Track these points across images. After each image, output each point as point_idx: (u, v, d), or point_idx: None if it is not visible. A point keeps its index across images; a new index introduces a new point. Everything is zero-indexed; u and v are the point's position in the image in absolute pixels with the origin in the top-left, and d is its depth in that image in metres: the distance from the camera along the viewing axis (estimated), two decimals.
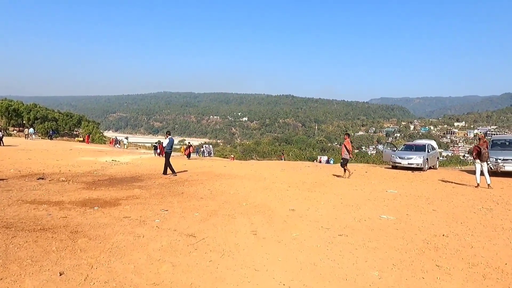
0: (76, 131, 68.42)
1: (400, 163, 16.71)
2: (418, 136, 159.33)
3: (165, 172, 12.25)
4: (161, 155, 28.48)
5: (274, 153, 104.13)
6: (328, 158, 46.72)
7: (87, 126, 66.06)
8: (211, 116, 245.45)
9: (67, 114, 69.19)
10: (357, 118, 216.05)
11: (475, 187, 9.84)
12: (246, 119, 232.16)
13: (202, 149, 52.97)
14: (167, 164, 12.34)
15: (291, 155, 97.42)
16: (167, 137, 12.99)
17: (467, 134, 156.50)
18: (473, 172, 17.17)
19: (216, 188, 9.23)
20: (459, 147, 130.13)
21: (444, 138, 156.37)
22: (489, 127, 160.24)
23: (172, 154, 31.48)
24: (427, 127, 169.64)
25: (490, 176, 15.08)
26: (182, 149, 31.10)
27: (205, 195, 8.02)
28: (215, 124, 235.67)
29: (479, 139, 10.44)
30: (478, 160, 9.90)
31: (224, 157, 55.35)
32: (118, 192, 8.16)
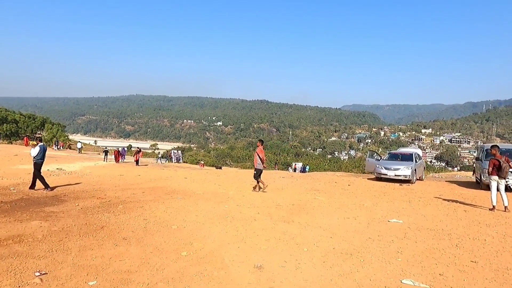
0: (39, 134, 63.53)
1: (386, 175, 14.80)
2: (388, 142, 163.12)
3: (32, 187, 9.72)
4: (117, 161, 25.33)
5: (248, 158, 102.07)
6: (304, 164, 44.95)
7: (51, 129, 61.39)
8: (185, 120, 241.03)
9: (30, 116, 63.90)
10: (330, 124, 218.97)
11: (491, 209, 7.87)
12: (221, 123, 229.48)
13: (170, 155, 49.81)
14: (37, 177, 9.75)
15: (266, 160, 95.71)
16: (37, 144, 10.14)
17: (433, 141, 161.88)
18: (464, 185, 15.76)
19: (157, 216, 6.64)
20: (426, 153, 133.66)
21: (413, 144, 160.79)
22: (454, 134, 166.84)
23: (125, 160, 27.84)
24: (396, 134, 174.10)
25: (485, 190, 13.55)
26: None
27: (133, 232, 5.43)
28: (189, 128, 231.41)
29: (491, 149, 8.50)
30: (495, 177, 7.94)
31: (196, 163, 52.20)
32: (2, 227, 5.43)
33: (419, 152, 17.35)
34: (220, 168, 42.01)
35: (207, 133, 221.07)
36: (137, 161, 23.83)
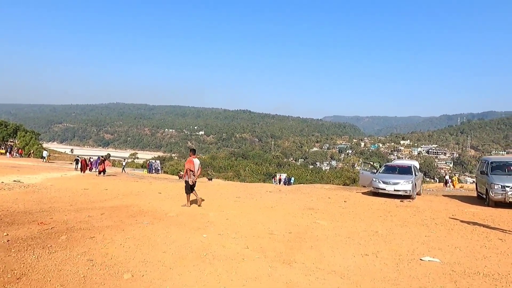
0: (11, 141, 59.75)
1: (385, 189, 13.39)
2: (368, 153, 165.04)
3: None
4: (83, 172, 22.93)
5: (230, 168, 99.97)
6: (288, 176, 43.47)
7: (23, 136, 57.86)
8: (166, 129, 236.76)
9: (1, 123, 59.98)
10: (312, 134, 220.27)
11: None
12: (203, 133, 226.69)
13: (148, 165, 47.20)
14: None
15: (248, 170, 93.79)
16: None
17: (412, 152, 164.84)
18: (465, 200, 14.50)
19: (108, 255, 4.82)
20: None
21: (392, 155, 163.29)
22: (431, 145, 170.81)
23: (107, 172, 25.20)
24: (376, 145, 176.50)
25: (493, 207, 12.36)
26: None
27: None
28: (170, 137, 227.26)
29: None
30: None
31: (177, 173, 49.62)
32: None
33: (417, 164, 16.10)
34: (211, 179, 40.05)
35: (189, 143, 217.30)
36: (102, 172, 21.60)
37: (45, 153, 44.59)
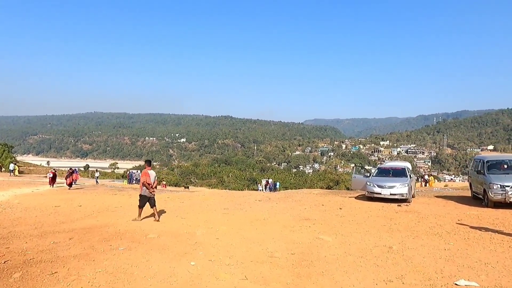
0: None
1: (380, 194, 12.74)
2: (350, 154, 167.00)
3: None
4: (52, 185, 21.24)
5: (214, 175, 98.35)
6: (274, 181, 42.64)
7: None
8: (146, 138, 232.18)
9: None
10: (294, 138, 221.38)
11: None
12: (184, 140, 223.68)
13: (128, 175, 45.34)
14: None
15: (231, 176, 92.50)
16: None
17: (391, 152, 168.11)
18: (461, 201, 13.83)
19: None
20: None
21: (372, 156, 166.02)
22: (409, 145, 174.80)
23: (97, 184, 23.29)
24: (357, 146, 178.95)
25: (492, 208, 11.92)
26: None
27: None
28: (151, 145, 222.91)
29: None
30: None
31: (160, 182, 48.01)
32: None
33: (409, 165, 15.60)
34: (188, 187, 38.60)
35: (170, 150, 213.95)
36: (70, 184, 20.15)
37: (11, 166, 39.41)
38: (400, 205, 11.92)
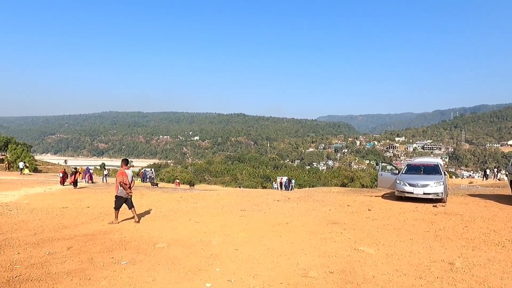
0: (2, 155, 57.68)
1: (412, 193, 11.52)
2: (364, 151, 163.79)
3: None
4: (63, 184, 20.73)
5: (227, 172, 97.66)
6: (289, 178, 41.43)
7: (15, 149, 55.85)
8: (160, 136, 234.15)
9: None
10: (307, 135, 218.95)
11: None
12: (198, 138, 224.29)
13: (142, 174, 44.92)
14: None
15: (245, 173, 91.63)
16: None
17: (407, 148, 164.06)
18: (501, 200, 12.72)
19: None
20: (401, 160, 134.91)
21: (387, 152, 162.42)
22: (425, 141, 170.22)
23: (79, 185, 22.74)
24: (371, 143, 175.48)
25: None
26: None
27: None
28: (165, 144, 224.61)
29: None
30: None
31: (173, 181, 47.36)
32: None
33: (441, 162, 14.19)
34: (193, 185, 37.67)
35: (184, 148, 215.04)
36: (74, 183, 19.68)
37: (21, 164, 37.33)
38: (436, 206, 10.71)
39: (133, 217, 8.64)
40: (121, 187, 8.23)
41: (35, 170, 51.49)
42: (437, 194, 11.27)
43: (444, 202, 11.39)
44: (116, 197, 8.41)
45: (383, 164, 15.40)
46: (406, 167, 13.44)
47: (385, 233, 6.83)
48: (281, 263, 4.84)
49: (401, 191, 11.85)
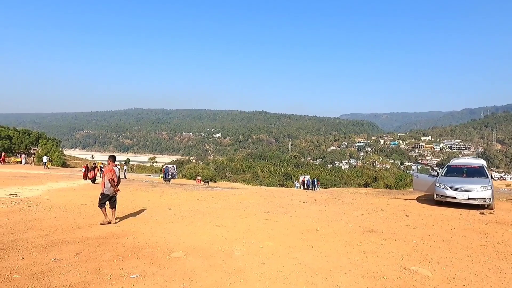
0: (34, 149, 60.10)
1: (454, 198, 10.36)
2: (388, 150, 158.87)
3: None
4: (86, 179, 20.60)
5: (248, 170, 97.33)
6: (312, 177, 40.25)
7: (45, 144, 58.08)
8: (183, 133, 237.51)
9: (24, 131, 60.44)
10: (329, 133, 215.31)
11: None
12: (220, 135, 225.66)
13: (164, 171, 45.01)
14: None
15: (266, 171, 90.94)
16: None
17: (433, 148, 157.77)
18: None
19: None
20: (427, 160, 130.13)
21: (413, 151, 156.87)
22: (453, 140, 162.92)
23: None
24: (396, 142, 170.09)
25: None
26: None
27: None
28: (188, 140, 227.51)
29: None
30: None
31: (194, 178, 47.29)
32: None
33: (485, 163, 12.80)
34: (207, 182, 36.83)
35: (206, 145, 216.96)
36: (92, 179, 19.51)
37: (45, 158, 37.71)
38: (483, 213, 9.54)
39: (116, 218, 8.28)
40: (108, 185, 7.90)
41: (63, 164, 53.04)
42: (484, 199, 10.06)
43: (492, 209, 10.18)
44: (102, 194, 8.05)
45: (417, 163, 14.18)
46: (445, 169, 12.19)
47: (434, 247, 5.87)
48: (318, 284, 4.03)
49: (442, 195, 10.70)
